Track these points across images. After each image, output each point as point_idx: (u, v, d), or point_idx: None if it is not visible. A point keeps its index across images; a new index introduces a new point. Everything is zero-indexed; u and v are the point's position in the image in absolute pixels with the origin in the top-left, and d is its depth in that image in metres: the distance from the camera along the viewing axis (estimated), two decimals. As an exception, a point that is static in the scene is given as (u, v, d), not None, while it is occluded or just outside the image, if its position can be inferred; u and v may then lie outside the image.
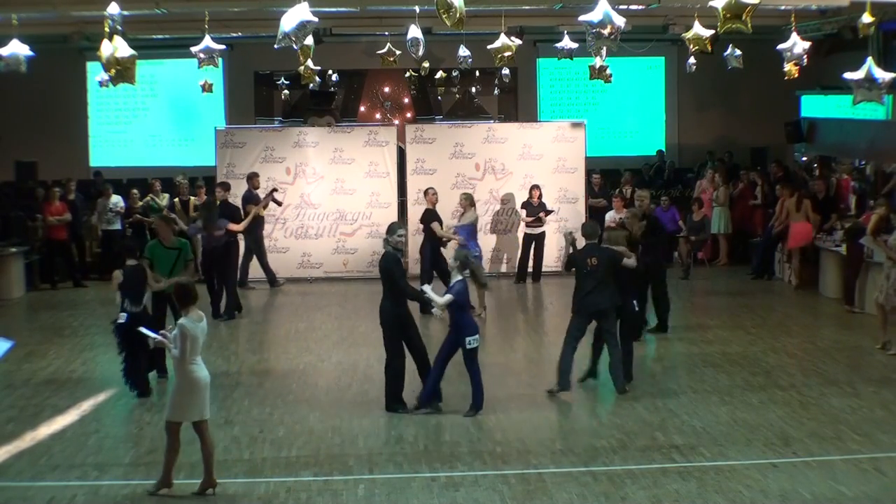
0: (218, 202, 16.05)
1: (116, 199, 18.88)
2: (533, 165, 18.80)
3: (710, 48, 13.36)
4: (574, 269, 10.97)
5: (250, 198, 17.33)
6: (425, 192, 16.29)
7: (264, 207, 17.42)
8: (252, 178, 17.58)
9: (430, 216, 15.74)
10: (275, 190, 17.70)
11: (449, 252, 14.16)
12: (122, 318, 10.83)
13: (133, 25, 15.79)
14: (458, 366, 11.72)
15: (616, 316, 10.95)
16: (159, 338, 8.28)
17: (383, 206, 18.72)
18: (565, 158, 18.92)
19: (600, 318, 10.88)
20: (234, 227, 15.45)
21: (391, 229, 10.52)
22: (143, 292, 11.11)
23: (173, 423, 8.11)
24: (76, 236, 19.06)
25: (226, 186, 16.69)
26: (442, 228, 15.71)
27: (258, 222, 17.43)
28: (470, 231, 15.52)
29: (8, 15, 13.95)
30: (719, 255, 19.81)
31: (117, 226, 18.80)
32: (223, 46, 14.18)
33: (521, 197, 18.38)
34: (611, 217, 16.20)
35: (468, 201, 15.83)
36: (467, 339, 10.00)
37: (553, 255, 18.39)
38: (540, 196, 17.93)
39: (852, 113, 17.61)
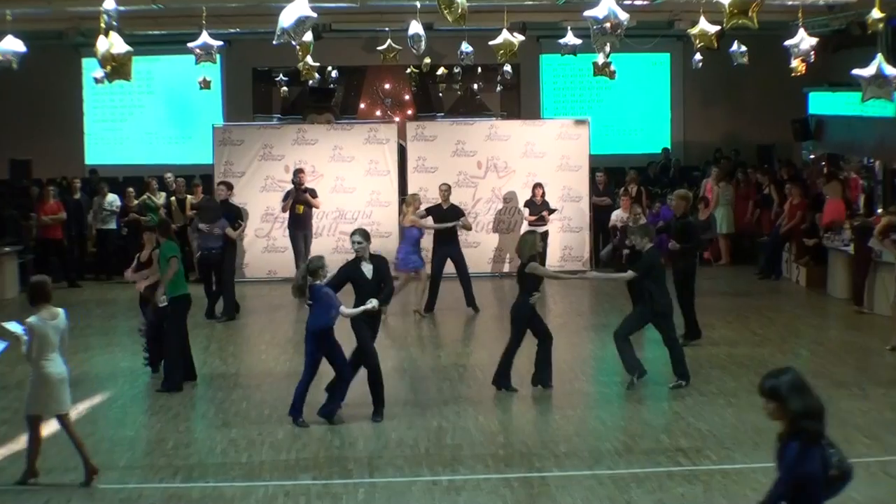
0: (219, 202, 15.82)
1: (112, 198, 18.75)
2: (536, 163, 18.64)
3: (716, 44, 13.21)
4: (652, 270, 11.01)
5: (289, 195, 17.42)
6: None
7: (296, 208, 17.26)
8: (297, 174, 17.51)
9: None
10: (299, 184, 17.52)
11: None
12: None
13: (129, 21, 15.60)
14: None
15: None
16: (19, 332, 8.38)
17: (384, 204, 18.59)
18: (569, 156, 18.76)
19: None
20: (230, 233, 15.21)
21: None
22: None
23: (31, 416, 8.40)
24: (80, 236, 18.92)
25: (229, 186, 16.29)
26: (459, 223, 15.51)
27: (296, 220, 17.41)
28: (413, 238, 14.98)
29: (2, 11, 13.80)
30: (720, 255, 19.66)
31: (112, 225, 18.66)
32: (221, 42, 14.12)
33: (523, 195, 18.23)
34: (617, 216, 16.03)
35: (412, 202, 15.32)
36: None
37: (556, 254, 18.23)
38: (543, 194, 17.78)
39: (861, 110, 17.43)
